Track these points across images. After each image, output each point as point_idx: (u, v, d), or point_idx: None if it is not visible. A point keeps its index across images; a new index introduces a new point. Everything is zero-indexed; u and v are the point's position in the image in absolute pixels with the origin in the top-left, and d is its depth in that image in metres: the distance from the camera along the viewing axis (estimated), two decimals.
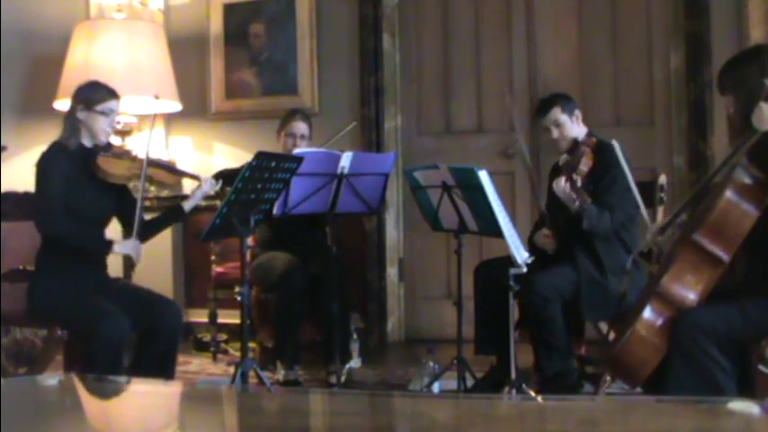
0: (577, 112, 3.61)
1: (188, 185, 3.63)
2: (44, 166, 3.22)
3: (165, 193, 4.39)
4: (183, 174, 3.60)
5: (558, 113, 3.58)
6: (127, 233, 3.44)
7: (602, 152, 3.44)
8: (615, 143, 3.15)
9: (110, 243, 3.26)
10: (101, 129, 3.29)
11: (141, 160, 3.32)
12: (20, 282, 3.37)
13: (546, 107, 3.63)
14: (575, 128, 3.59)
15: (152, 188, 3.55)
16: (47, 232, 3.23)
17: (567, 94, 3.72)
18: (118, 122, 3.38)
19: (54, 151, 3.26)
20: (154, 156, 3.47)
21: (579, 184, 3.22)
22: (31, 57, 4.86)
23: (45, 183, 3.20)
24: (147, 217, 3.51)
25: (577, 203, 3.24)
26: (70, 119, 3.30)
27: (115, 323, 3.08)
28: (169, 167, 3.50)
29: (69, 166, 3.23)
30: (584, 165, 3.41)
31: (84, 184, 3.24)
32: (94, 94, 3.29)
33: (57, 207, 3.18)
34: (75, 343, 3.23)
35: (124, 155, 3.37)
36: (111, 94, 3.32)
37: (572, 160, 3.48)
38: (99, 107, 3.27)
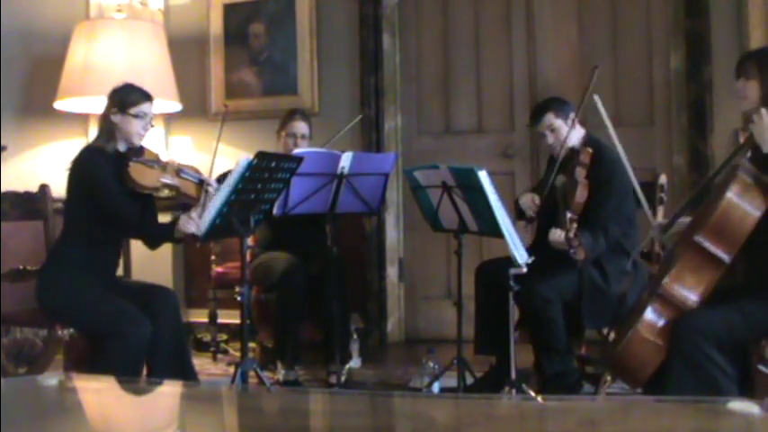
0: (572, 115, 3.57)
1: None
2: (90, 167, 3.23)
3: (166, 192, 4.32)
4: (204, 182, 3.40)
5: (551, 118, 3.57)
6: (140, 239, 3.48)
7: (599, 164, 3.41)
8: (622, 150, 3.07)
9: (172, 224, 3.23)
10: (135, 132, 3.29)
11: (171, 168, 3.31)
12: (20, 281, 3.37)
13: (539, 113, 3.62)
14: (570, 131, 3.55)
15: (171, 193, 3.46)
16: (125, 214, 3.22)
17: (561, 97, 3.70)
18: (152, 125, 3.36)
19: (93, 154, 3.27)
20: (184, 163, 3.43)
21: (573, 231, 3.09)
22: (31, 57, 4.86)
23: (100, 181, 3.20)
24: (162, 220, 3.52)
25: (572, 252, 3.12)
26: (106, 123, 3.31)
27: (138, 323, 3.11)
28: (196, 177, 3.35)
29: (108, 169, 3.23)
30: (581, 196, 3.34)
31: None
32: (128, 97, 3.29)
33: (123, 198, 3.20)
34: (75, 341, 3.23)
35: (155, 163, 3.32)
36: (145, 96, 3.33)
37: (567, 188, 3.39)
38: (133, 110, 3.27)
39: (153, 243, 3.47)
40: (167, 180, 3.27)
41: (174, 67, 4.68)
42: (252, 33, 5.03)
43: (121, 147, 3.31)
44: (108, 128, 3.30)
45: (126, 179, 3.21)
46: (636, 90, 4.58)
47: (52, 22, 4.88)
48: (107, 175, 3.21)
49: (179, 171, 3.32)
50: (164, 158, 3.41)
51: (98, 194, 3.22)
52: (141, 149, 3.34)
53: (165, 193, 3.37)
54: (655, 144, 4.54)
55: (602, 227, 3.35)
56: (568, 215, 3.21)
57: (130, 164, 3.23)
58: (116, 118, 3.28)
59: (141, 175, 3.23)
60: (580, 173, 3.39)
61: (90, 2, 5.07)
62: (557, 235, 3.24)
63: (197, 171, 3.40)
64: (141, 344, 3.11)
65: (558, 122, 3.57)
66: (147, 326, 3.13)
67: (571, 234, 3.09)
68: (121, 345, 3.06)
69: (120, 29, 4.58)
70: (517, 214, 3.63)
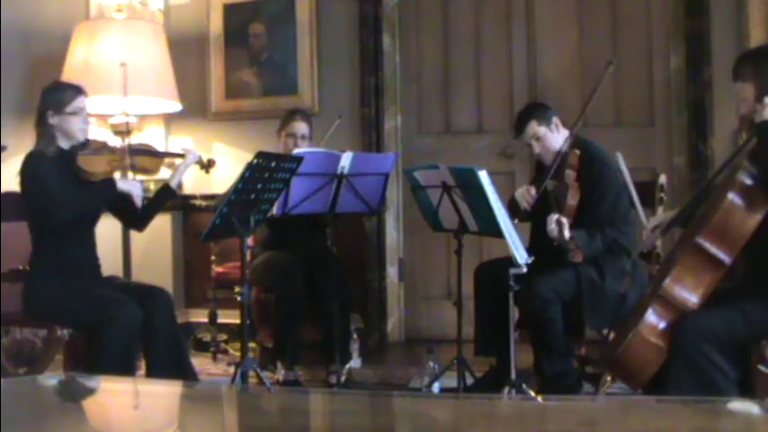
0: (555, 120, 3.55)
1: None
2: (30, 172, 3.23)
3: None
4: (165, 155, 3.68)
5: (534, 127, 3.53)
6: (126, 225, 3.62)
7: (588, 165, 3.41)
8: (620, 156, 3.08)
9: (112, 182, 3.30)
10: (77, 128, 3.30)
11: (120, 150, 3.39)
12: (20, 282, 3.37)
13: (522, 123, 3.57)
14: (555, 137, 3.53)
15: (137, 176, 3.59)
16: (62, 219, 3.20)
17: (540, 102, 3.71)
18: (89, 116, 3.40)
19: (35, 160, 3.25)
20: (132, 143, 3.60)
21: (567, 234, 3.18)
22: (31, 57, 4.85)
23: (38, 182, 3.21)
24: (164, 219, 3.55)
25: (570, 255, 3.24)
26: (43, 126, 3.29)
27: (127, 308, 3.12)
28: (150, 152, 3.57)
29: (53, 172, 3.22)
30: (573, 198, 3.35)
31: (71, 188, 3.24)
32: (62, 96, 3.28)
33: (57, 196, 3.18)
34: (75, 341, 3.23)
35: (103, 149, 3.38)
36: (78, 91, 3.32)
37: (558, 192, 3.39)
38: (69, 108, 3.27)
39: (138, 225, 3.57)
40: (120, 160, 3.37)
41: (174, 67, 4.68)
42: (252, 33, 5.03)
43: (65, 145, 3.31)
44: (47, 131, 3.28)
45: (79, 172, 3.25)
46: (636, 90, 4.58)
47: (52, 21, 4.87)
48: (45, 174, 3.21)
49: (130, 149, 3.41)
50: (111, 143, 3.50)
51: (31, 190, 3.23)
52: (86, 142, 3.36)
53: (136, 177, 3.53)
54: (655, 144, 4.54)
55: (598, 227, 3.37)
56: (563, 219, 3.21)
57: (79, 157, 3.27)
58: (53, 120, 3.27)
59: (92, 163, 3.28)
60: (570, 176, 3.40)
61: (90, 2, 5.07)
62: (553, 221, 3.22)
63: (147, 146, 3.51)
64: (133, 329, 3.11)
65: (543, 130, 3.53)
66: (136, 310, 3.13)
67: (566, 235, 3.12)
68: (113, 331, 3.06)
69: (120, 29, 4.57)
70: (511, 211, 3.63)
